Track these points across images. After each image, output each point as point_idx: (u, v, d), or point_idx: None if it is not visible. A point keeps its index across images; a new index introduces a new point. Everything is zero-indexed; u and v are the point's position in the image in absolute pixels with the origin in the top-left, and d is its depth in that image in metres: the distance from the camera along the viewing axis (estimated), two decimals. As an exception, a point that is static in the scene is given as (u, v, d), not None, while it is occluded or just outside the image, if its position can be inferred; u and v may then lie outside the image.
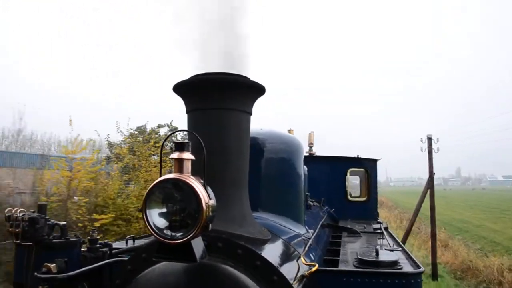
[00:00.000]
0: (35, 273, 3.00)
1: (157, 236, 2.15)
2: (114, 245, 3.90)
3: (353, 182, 9.93)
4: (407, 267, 3.57)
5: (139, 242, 4.26)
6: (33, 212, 3.39)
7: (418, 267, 3.57)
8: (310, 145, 9.34)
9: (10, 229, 3.24)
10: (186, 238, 2.11)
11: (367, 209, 8.75)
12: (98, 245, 3.58)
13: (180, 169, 2.18)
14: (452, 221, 35.81)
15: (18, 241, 3.25)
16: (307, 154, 8.88)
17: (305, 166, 5.08)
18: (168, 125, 23.20)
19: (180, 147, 2.21)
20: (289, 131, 6.94)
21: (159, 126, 23.03)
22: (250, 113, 3.24)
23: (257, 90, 3.16)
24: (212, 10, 2.86)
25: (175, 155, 2.19)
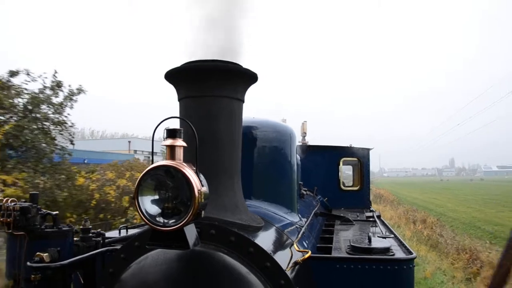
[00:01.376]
0: (28, 263, 2.99)
1: (149, 223, 2.14)
2: (107, 234, 3.89)
3: (346, 172, 9.97)
4: (399, 254, 3.60)
5: (132, 232, 4.26)
6: (25, 201, 3.36)
7: (410, 253, 3.60)
8: (303, 135, 9.35)
9: (1, 219, 3.21)
10: (178, 225, 2.10)
11: (360, 198, 8.82)
12: (91, 234, 3.57)
13: (172, 156, 2.17)
14: (476, 222, 29.94)
15: (10, 230, 3.23)
16: (300, 143, 8.90)
17: (298, 156, 5.09)
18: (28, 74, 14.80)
19: (172, 134, 2.20)
20: (283, 120, 6.94)
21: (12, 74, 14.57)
22: (243, 101, 3.22)
23: (250, 77, 3.14)
24: None
25: (167, 142, 2.18)
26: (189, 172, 2.11)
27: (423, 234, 22.99)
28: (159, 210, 2.17)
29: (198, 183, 2.11)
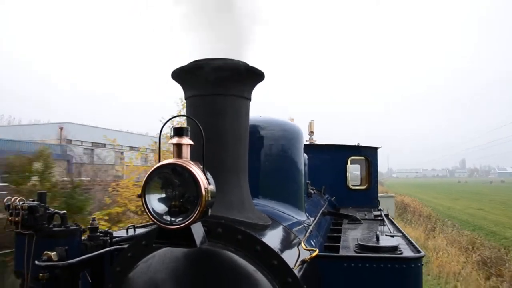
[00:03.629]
0: (36, 261, 3.01)
1: (156, 221, 2.14)
2: (115, 233, 3.90)
3: (353, 172, 9.93)
4: (407, 252, 3.57)
5: (139, 231, 4.27)
6: (33, 200, 3.38)
7: (419, 251, 3.56)
8: (311, 134, 9.32)
9: (9, 218, 3.24)
10: (185, 223, 2.10)
11: (367, 197, 8.77)
12: (98, 234, 3.59)
13: (179, 155, 2.17)
14: None
15: (18, 229, 3.24)
16: (308, 142, 8.87)
17: (305, 154, 5.06)
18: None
19: (179, 132, 2.20)
20: (290, 120, 6.92)
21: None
22: (249, 99, 3.21)
23: (256, 75, 3.13)
24: None
25: (174, 140, 2.18)
26: (196, 170, 2.11)
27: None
28: (166, 209, 2.17)
29: (205, 181, 2.11)
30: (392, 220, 6.50)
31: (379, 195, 9.21)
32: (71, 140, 42.82)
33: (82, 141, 42.23)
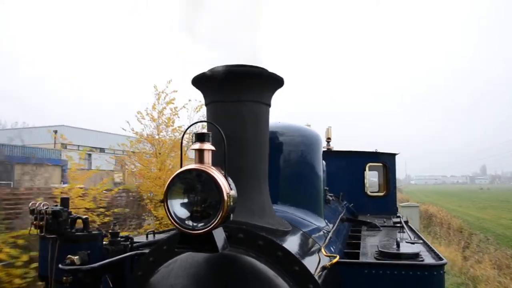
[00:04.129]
0: (59, 265, 3.06)
1: (178, 226, 2.16)
2: (135, 239, 3.94)
3: (371, 179, 9.85)
4: (428, 259, 3.52)
5: (159, 237, 4.30)
6: (56, 205, 3.44)
7: (440, 259, 3.52)
8: (328, 140, 9.29)
9: (34, 222, 3.31)
10: (207, 228, 2.11)
11: (386, 204, 8.70)
12: (119, 238, 3.63)
13: (201, 160, 2.19)
14: None
15: (42, 233, 3.31)
16: (325, 149, 8.84)
17: (323, 161, 5.05)
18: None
19: (200, 137, 2.21)
20: (307, 125, 6.92)
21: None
22: (269, 105, 3.23)
23: (276, 81, 3.15)
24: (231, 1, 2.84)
25: (196, 145, 2.20)
26: (218, 176, 2.12)
27: None
28: (188, 214, 2.18)
29: (227, 186, 2.12)
30: (412, 227, 6.41)
31: (401, 204, 9.13)
32: (66, 145, 39.83)
33: (78, 146, 37.52)
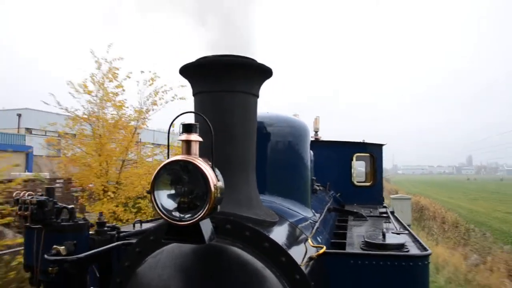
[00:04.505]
0: (45, 255, 3.03)
1: (165, 217, 2.15)
2: (122, 228, 3.92)
3: (358, 169, 9.93)
4: (414, 250, 3.57)
5: (146, 226, 4.29)
6: (41, 195, 3.40)
7: (425, 249, 3.57)
8: (316, 130, 9.32)
9: (19, 212, 3.26)
10: (194, 220, 2.11)
11: (373, 194, 8.78)
12: (106, 228, 3.61)
13: (188, 151, 2.17)
14: None
15: (27, 224, 3.27)
16: (313, 139, 8.87)
17: (311, 151, 5.07)
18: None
19: (187, 128, 2.19)
20: (295, 115, 6.92)
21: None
22: (257, 96, 3.21)
23: (264, 72, 3.13)
24: None
25: (182, 136, 2.18)
26: (205, 167, 2.11)
27: None
28: (175, 205, 2.17)
29: (214, 177, 2.11)
30: (397, 217, 6.48)
31: (392, 196, 9.22)
32: (30, 130, 36.71)
33: (46, 131, 37.20)
